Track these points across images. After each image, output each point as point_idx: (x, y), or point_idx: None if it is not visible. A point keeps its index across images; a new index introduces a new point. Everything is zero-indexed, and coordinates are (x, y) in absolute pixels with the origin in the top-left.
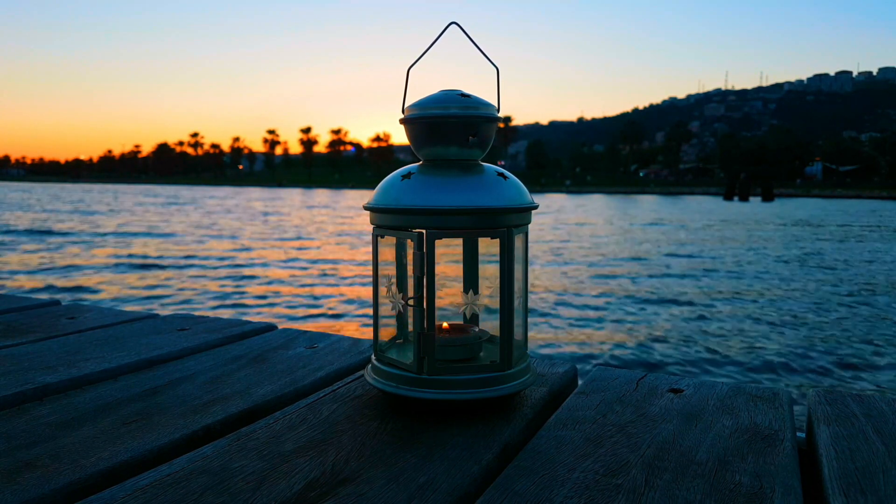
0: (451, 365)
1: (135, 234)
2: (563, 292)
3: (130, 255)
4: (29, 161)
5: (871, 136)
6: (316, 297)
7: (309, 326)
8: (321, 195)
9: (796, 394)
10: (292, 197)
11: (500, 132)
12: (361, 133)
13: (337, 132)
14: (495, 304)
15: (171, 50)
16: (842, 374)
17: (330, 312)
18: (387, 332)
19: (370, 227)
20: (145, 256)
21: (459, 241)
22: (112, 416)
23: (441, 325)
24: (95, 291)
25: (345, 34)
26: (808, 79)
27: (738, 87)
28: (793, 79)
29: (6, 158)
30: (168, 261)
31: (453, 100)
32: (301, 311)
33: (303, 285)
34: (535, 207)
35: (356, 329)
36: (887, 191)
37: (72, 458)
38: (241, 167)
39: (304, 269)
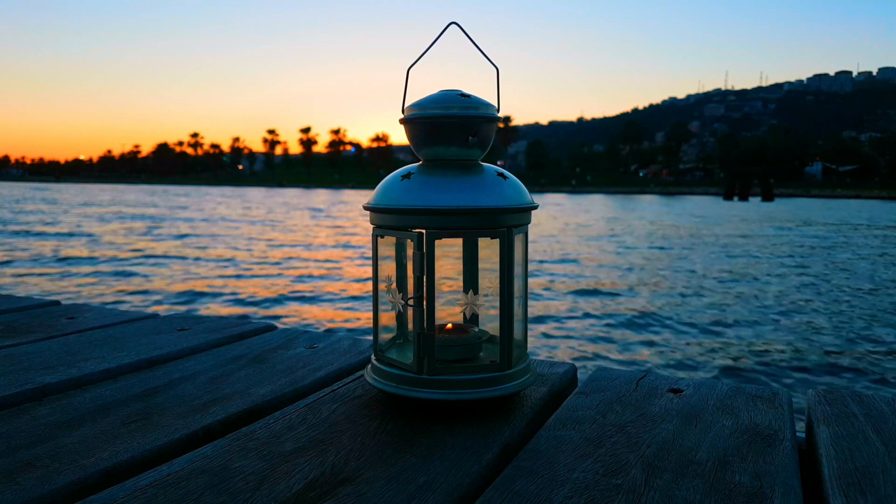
0: (451, 365)
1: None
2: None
3: None
4: (29, 161)
5: (871, 136)
6: (317, 297)
7: (309, 325)
8: (324, 195)
9: (796, 394)
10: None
11: (500, 132)
12: (361, 133)
13: (337, 132)
14: (495, 304)
15: (171, 50)
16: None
17: (330, 312)
18: (387, 333)
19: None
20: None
21: (459, 240)
22: (112, 416)
23: (441, 325)
24: None
25: (345, 34)
26: (808, 79)
27: (737, 87)
28: (793, 79)
29: (6, 158)
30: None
31: (453, 100)
32: (301, 310)
33: (304, 284)
34: (535, 207)
35: (356, 329)
36: (887, 191)
37: (72, 458)
38: (240, 167)
39: (306, 268)
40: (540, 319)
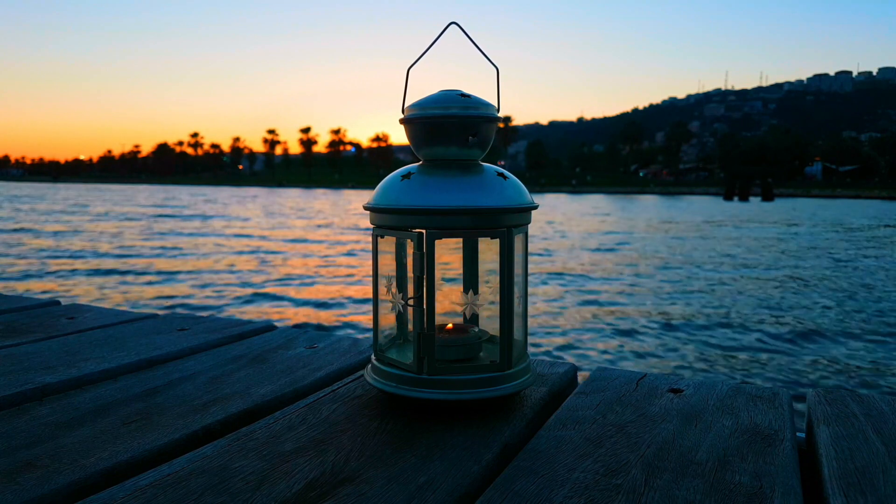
0: (451, 365)
1: None
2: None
3: None
4: (29, 161)
5: (871, 137)
6: (316, 297)
7: (309, 325)
8: (327, 195)
9: (796, 394)
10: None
11: (500, 132)
12: (361, 133)
13: (336, 132)
14: (495, 304)
15: (170, 50)
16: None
17: (330, 312)
18: (387, 333)
19: None
20: None
21: (460, 240)
22: (112, 416)
23: (441, 325)
24: None
25: (345, 34)
26: (808, 79)
27: (738, 87)
28: (793, 79)
29: (6, 158)
30: None
31: (453, 100)
32: (301, 310)
33: (303, 285)
34: (535, 207)
35: (356, 329)
36: (887, 191)
37: (72, 458)
38: (241, 167)
39: (306, 268)
40: (538, 318)
